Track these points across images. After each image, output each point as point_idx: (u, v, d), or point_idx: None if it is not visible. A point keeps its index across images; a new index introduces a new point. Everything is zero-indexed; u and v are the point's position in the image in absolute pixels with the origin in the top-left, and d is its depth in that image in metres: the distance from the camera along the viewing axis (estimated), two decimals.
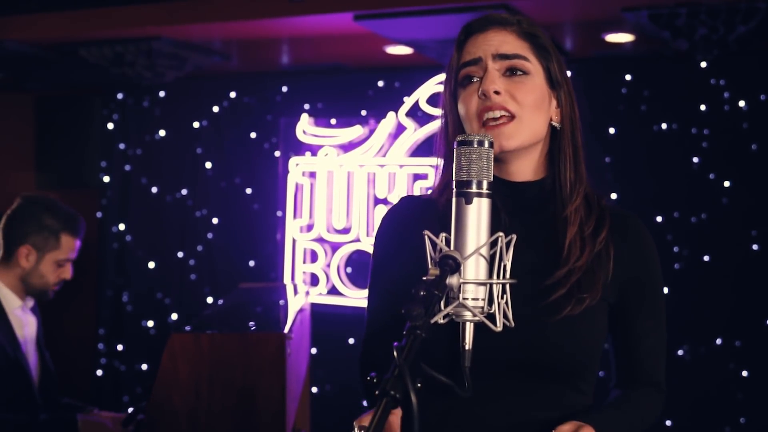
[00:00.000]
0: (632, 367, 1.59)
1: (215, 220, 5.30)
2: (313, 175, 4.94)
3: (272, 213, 5.13)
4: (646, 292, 1.57)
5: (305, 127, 4.99)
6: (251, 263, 5.18)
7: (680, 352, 4.22)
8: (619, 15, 3.68)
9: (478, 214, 1.34)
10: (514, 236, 1.37)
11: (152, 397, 2.00)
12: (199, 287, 5.30)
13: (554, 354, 1.46)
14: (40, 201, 3.04)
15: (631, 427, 1.53)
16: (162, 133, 5.42)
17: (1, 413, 2.71)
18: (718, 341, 4.19)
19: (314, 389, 4.80)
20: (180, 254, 5.34)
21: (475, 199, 1.34)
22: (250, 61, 5.05)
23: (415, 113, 4.68)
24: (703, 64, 4.19)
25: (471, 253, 1.33)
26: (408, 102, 4.68)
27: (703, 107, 4.26)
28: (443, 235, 1.37)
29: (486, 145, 1.35)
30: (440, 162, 1.60)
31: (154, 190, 5.43)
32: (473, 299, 1.34)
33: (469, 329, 1.36)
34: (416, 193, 4.60)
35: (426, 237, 1.38)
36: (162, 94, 5.38)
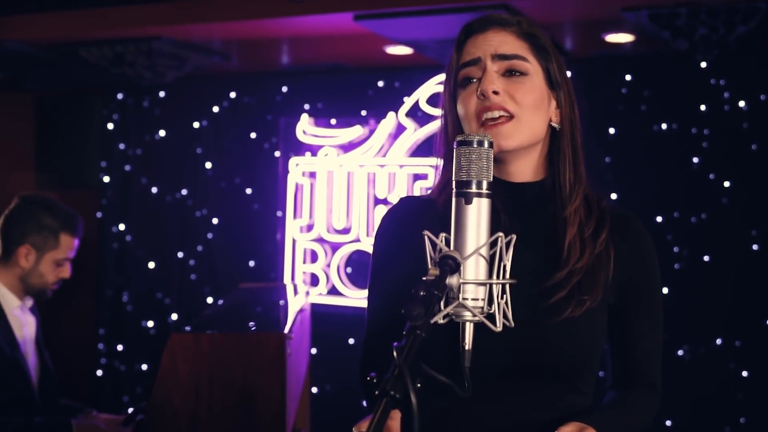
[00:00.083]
0: (628, 368, 1.59)
1: (215, 220, 5.30)
2: (313, 175, 4.94)
3: (272, 213, 5.12)
4: (645, 293, 1.57)
5: (305, 127, 4.99)
6: (251, 263, 5.18)
7: (680, 352, 4.22)
8: (619, 15, 3.68)
9: (477, 214, 1.34)
10: (514, 236, 1.37)
11: (152, 397, 2.00)
12: (199, 287, 5.30)
13: (554, 355, 1.46)
14: (39, 201, 3.04)
15: (628, 429, 1.53)
16: (162, 133, 5.42)
17: None
18: (718, 341, 4.19)
19: (314, 389, 4.80)
20: (180, 254, 5.35)
21: (475, 199, 1.34)
22: (250, 61, 5.05)
23: (415, 113, 4.67)
24: (703, 64, 4.19)
25: (471, 253, 1.33)
26: (408, 102, 4.68)
27: (703, 107, 4.26)
28: (443, 235, 1.37)
29: (486, 145, 1.35)
30: (440, 162, 1.60)
31: (154, 190, 5.43)
32: (473, 299, 1.34)
33: (469, 329, 1.36)
34: (416, 193, 4.61)
35: (426, 237, 1.38)
36: (162, 94, 5.38)
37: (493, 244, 1.36)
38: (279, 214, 5.08)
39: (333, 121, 4.98)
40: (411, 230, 1.51)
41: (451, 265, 1.31)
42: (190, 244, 5.33)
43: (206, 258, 5.30)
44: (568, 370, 1.48)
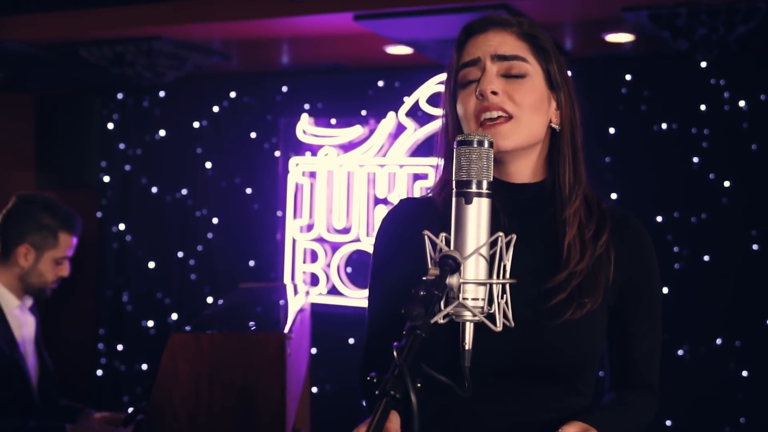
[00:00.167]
0: (627, 369, 1.59)
1: (215, 220, 5.31)
2: (313, 175, 4.94)
3: (272, 213, 5.13)
4: (644, 294, 1.57)
5: (305, 127, 4.99)
6: (251, 263, 5.18)
7: (680, 352, 4.22)
8: (619, 15, 3.68)
9: (477, 214, 1.34)
10: (514, 236, 1.37)
11: (152, 397, 2.00)
12: (199, 287, 5.30)
13: (554, 356, 1.46)
14: (37, 200, 3.04)
15: (628, 430, 1.53)
16: (162, 133, 5.42)
17: None
18: (718, 341, 4.19)
19: (314, 389, 4.80)
20: (180, 254, 5.35)
21: (475, 199, 1.34)
22: (250, 61, 5.05)
23: (415, 113, 4.67)
24: (703, 64, 4.19)
25: (471, 253, 1.33)
26: (408, 102, 4.68)
27: (703, 107, 4.26)
28: (443, 235, 1.37)
29: (486, 145, 1.35)
30: (440, 162, 1.60)
31: (154, 190, 5.43)
32: (473, 299, 1.34)
33: (469, 329, 1.36)
34: (416, 193, 4.61)
35: (426, 237, 1.38)
36: (162, 94, 5.38)
37: (493, 244, 1.36)
38: (279, 214, 5.08)
39: (333, 121, 4.98)
40: (411, 231, 1.51)
41: (451, 264, 1.31)
42: (190, 244, 5.33)
43: (206, 258, 5.30)
44: (568, 371, 1.48)
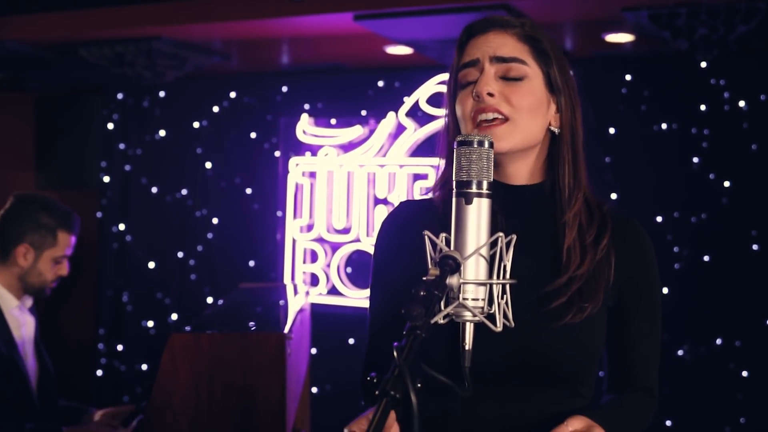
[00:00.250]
0: (625, 371, 1.58)
1: (215, 220, 5.31)
2: (313, 175, 4.94)
3: (272, 213, 5.13)
4: (643, 295, 1.56)
5: (305, 127, 4.99)
6: (251, 263, 5.18)
7: (680, 352, 4.22)
8: (619, 15, 3.68)
9: (478, 214, 1.34)
10: (514, 236, 1.37)
11: (152, 397, 2.00)
12: (199, 287, 5.30)
13: (554, 358, 1.45)
14: (35, 200, 3.04)
15: (627, 429, 1.53)
16: (162, 133, 5.42)
17: None
18: (718, 341, 4.19)
19: (314, 389, 4.80)
20: (180, 254, 5.35)
21: (475, 200, 1.34)
22: (250, 61, 5.05)
23: (415, 113, 4.67)
24: (703, 64, 4.19)
25: (471, 254, 1.33)
26: (408, 102, 4.68)
27: (703, 107, 4.26)
28: (443, 235, 1.37)
29: (486, 145, 1.35)
30: (441, 162, 1.60)
31: (154, 190, 5.43)
32: (473, 299, 1.34)
33: (469, 329, 1.36)
34: (416, 193, 4.61)
35: (426, 237, 1.38)
36: (162, 94, 5.38)
37: (493, 245, 1.36)
38: (279, 214, 5.08)
39: (333, 121, 4.98)
40: (411, 232, 1.50)
41: (451, 265, 1.31)
42: (190, 244, 5.33)
43: (206, 258, 5.30)
44: (567, 373, 1.47)
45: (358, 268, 4.83)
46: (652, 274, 1.58)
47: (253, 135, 5.22)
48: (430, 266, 1.34)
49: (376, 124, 4.79)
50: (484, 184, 1.34)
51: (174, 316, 5.33)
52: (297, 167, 4.96)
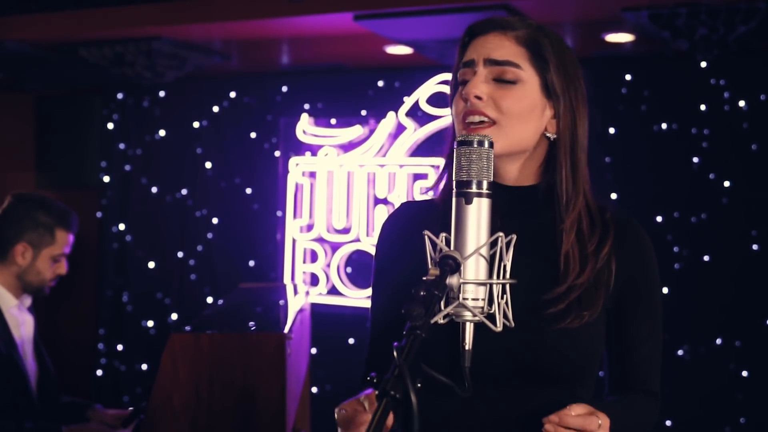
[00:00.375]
0: (626, 374, 1.57)
1: (215, 220, 5.31)
2: (313, 175, 4.94)
3: (272, 213, 5.13)
4: (642, 297, 1.55)
5: (305, 127, 4.99)
6: (251, 263, 5.18)
7: (680, 352, 4.22)
8: (619, 15, 3.68)
9: (478, 214, 1.34)
10: (514, 236, 1.37)
11: (152, 397, 2.00)
12: (199, 287, 5.30)
13: (553, 359, 1.45)
14: (33, 198, 3.05)
15: (633, 426, 1.52)
16: (162, 133, 5.42)
17: None
18: (718, 341, 4.19)
19: (314, 389, 4.80)
20: (180, 254, 5.35)
21: (475, 199, 1.34)
22: (250, 61, 5.05)
23: (415, 113, 4.67)
24: (703, 64, 4.19)
25: (471, 253, 1.33)
26: (408, 102, 4.68)
27: (703, 107, 4.26)
28: (443, 235, 1.37)
29: (486, 145, 1.35)
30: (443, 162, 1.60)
31: (154, 190, 5.43)
32: (473, 299, 1.34)
33: (469, 329, 1.36)
34: (416, 193, 4.61)
35: (426, 237, 1.38)
36: (162, 94, 5.38)
37: (493, 244, 1.36)
38: (279, 214, 5.08)
39: (333, 121, 4.98)
40: (412, 232, 1.50)
41: (451, 265, 1.31)
42: (190, 244, 5.33)
43: (206, 258, 5.30)
44: (567, 374, 1.47)
45: (358, 268, 4.83)
46: (651, 275, 1.57)
47: (253, 135, 5.22)
48: (430, 266, 1.34)
49: (376, 124, 4.79)
50: (484, 184, 1.34)
51: (174, 316, 5.33)
52: (297, 167, 4.96)
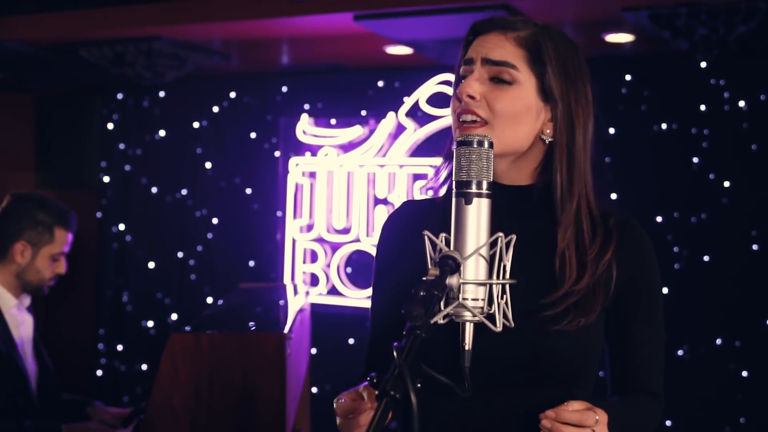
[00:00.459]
0: (628, 375, 1.56)
1: (215, 220, 5.30)
2: (313, 175, 4.94)
3: (272, 213, 5.13)
4: (643, 298, 1.54)
5: (305, 127, 4.99)
6: (251, 263, 5.18)
7: (680, 352, 4.22)
8: (619, 15, 3.68)
9: (477, 214, 1.34)
10: (514, 236, 1.37)
11: (152, 397, 2.00)
12: (199, 287, 5.30)
13: (551, 359, 1.45)
14: (32, 197, 3.06)
15: (634, 425, 1.52)
16: (162, 133, 5.42)
17: None
18: (718, 341, 4.19)
19: (314, 389, 4.80)
20: (180, 254, 5.34)
21: (475, 200, 1.34)
22: (250, 61, 5.05)
23: (415, 113, 4.67)
24: (703, 64, 4.19)
25: (471, 254, 1.33)
26: (408, 102, 4.68)
27: (703, 107, 4.26)
28: (443, 235, 1.37)
29: (486, 145, 1.35)
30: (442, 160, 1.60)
31: (154, 190, 5.43)
32: (473, 299, 1.34)
33: (469, 329, 1.36)
34: (416, 193, 4.61)
35: (426, 237, 1.38)
36: (162, 94, 5.38)
37: (493, 245, 1.36)
38: (279, 214, 5.08)
39: (333, 121, 4.98)
40: (413, 232, 1.50)
41: (451, 265, 1.31)
42: (190, 244, 5.33)
43: (206, 258, 5.30)
44: (565, 374, 1.47)
45: (358, 268, 4.82)
46: (651, 275, 1.56)
47: (253, 135, 5.22)
48: (430, 266, 1.34)
49: (376, 124, 4.79)
50: (484, 184, 1.34)
51: (174, 316, 5.33)
52: (297, 167, 4.96)
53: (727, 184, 4.21)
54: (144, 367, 5.36)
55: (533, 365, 1.45)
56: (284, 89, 5.15)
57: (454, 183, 1.36)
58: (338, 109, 5.00)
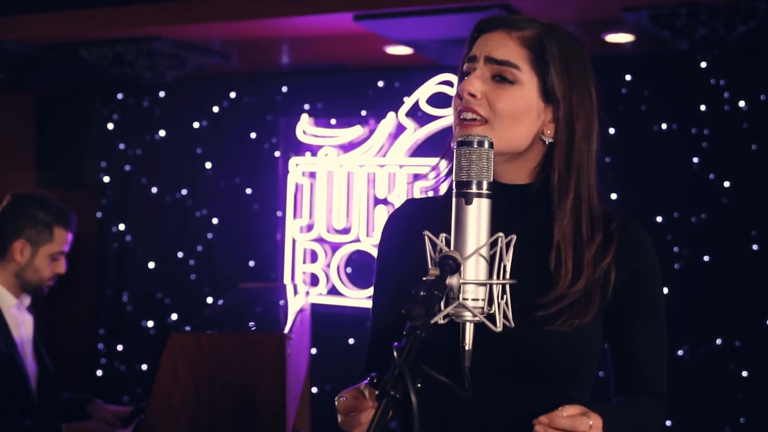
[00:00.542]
0: (630, 376, 1.55)
1: (215, 220, 5.30)
2: (313, 175, 4.94)
3: (272, 213, 5.12)
4: (643, 298, 1.54)
5: (305, 127, 4.99)
6: (251, 263, 5.18)
7: (680, 352, 4.22)
8: (619, 15, 3.68)
9: (478, 214, 1.34)
10: (514, 237, 1.37)
11: (152, 397, 2.00)
12: (199, 287, 5.30)
13: (549, 359, 1.45)
14: (32, 197, 3.07)
15: (633, 428, 1.51)
16: (162, 133, 5.42)
17: None
18: (718, 341, 4.19)
19: (314, 389, 4.80)
20: (180, 254, 5.34)
21: (475, 200, 1.34)
22: (250, 61, 5.05)
23: (415, 113, 4.67)
24: (703, 64, 4.19)
25: (471, 254, 1.33)
26: (408, 102, 4.68)
27: (703, 107, 4.26)
28: (443, 235, 1.37)
29: (486, 145, 1.35)
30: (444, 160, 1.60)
31: (154, 190, 5.43)
32: (473, 299, 1.34)
33: (469, 330, 1.35)
34: (416, 193, 4.60)
35: (426, 237, 1.38)
36: (162, 94, 5.38)
37: (493, 245, 1.36)
38: (279, 214, 5.08)
39: (333, 121, 4.98)
40: (414, 232, 1.49)
41: (451, 265, 1.31)
42: (190, 244, 5.33)
43: (206, 258, 5.30)
44: (564, 373, 1.47)
45: (358, 268, 4.82)
46: (652, 275, 1.56)
47: (253, 135, 5.22)
48: (430, 266, 1.34)
49: (376, 124, 4.79)
50: (484, 185, 1.34)
51: (174, 316, 5.33)
52: (297, 167, 4.96)
53: (727, 184, 4.21)
54: (144, 367, 5.36)
55: (532, 365, 1.45)
56: (284, 89, 5.15)
57: (454, 183, 1.36)
58: (338, 109, 5.00)
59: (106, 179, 5.52)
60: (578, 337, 1.46)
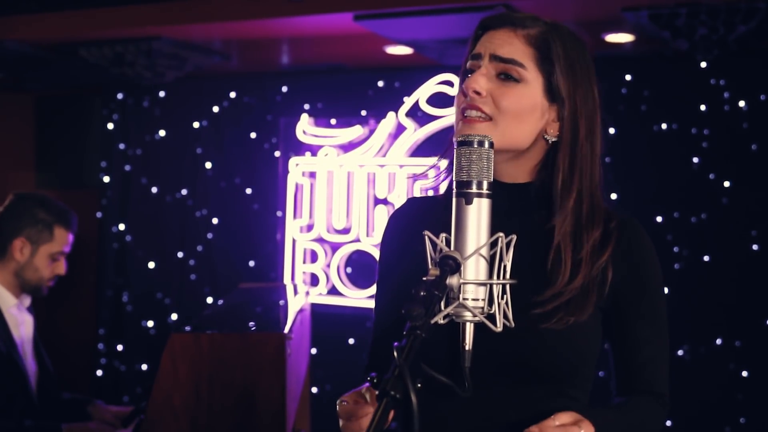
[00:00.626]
0: (631, 377, 1.55)
1: (215, 220, 5.30)
2: (313, 175, 4.94)
3: (272, 213, 5.12)
4: (643, 298, 1.53)
5: (305, 127, 4.99)
6: (251, 263, 5.18)
7: (680, 352, 4.22)
8: (619, 15, 3.68)
9: (478, 214, 1.34)
10: (514, 236, 1.37)
11: (152, 397, 2.00)
12: (199, 287, 5.30)
13: (548, 359, 1.44)
14: (33, 197, 3.08)
15: (635, 428, 1.51)
16: (162, 133, 5.42)
17: None
18: (718, 341, 4.19)
19: (314, 389, 4.80)
20: (180, 254, 5.34)
21: (475, 200, 1.34)
22: (250, 61, 5.05)
23: (415, 113, 4.67)
24: (703, 64, 4.19)
25: (471, 254, 1.33)
26: (408, 102, 4.68)
27: (703, 107, 4.26)
28: (443, 235, 1.37)
29: (486, 145, 1.35)
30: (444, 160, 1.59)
31: (154, 190, 5.43)
32: (473, 299, 1.34)
33: (469, 330, 1.35)
34: (416, 193, 4.61)
35: (426, 237, 1.38)
36: (162, 94, 5.38)
37: (493, 245, 1.36)
38: (279, 214, 5.08)
39: (333, 121, 4.98)
40: (415, 232, 1.49)
41: (451, 265, 1.31)
42: (190, 244, 5.33)
43: (206, 258, 5.30)
44: (563, 373, 1.46)
45: (358, 268, 4.83)
46: (652, 275, 1.56)
47: (253, 135, 5.22)
48: (430, 266, 1.34)
49: (376, 124, 4.79)
50: (484, 185, 1.34)
51: (174, 316, 5.33)
52: (297, 167, 4.96)
53: (727, 184, 4.21)
54: (144, 367, 5.36)
55: (531, 364, 1.45)
56: (284, 89, 5.15)
57: (454, 183, 1.36)
58: (338, 109, 5.00)
59: (106, 179, 5.52)
60: (577, 337, 1.46)
